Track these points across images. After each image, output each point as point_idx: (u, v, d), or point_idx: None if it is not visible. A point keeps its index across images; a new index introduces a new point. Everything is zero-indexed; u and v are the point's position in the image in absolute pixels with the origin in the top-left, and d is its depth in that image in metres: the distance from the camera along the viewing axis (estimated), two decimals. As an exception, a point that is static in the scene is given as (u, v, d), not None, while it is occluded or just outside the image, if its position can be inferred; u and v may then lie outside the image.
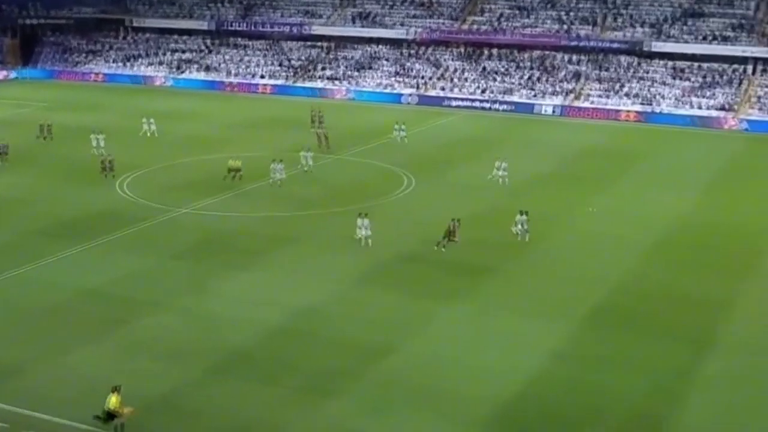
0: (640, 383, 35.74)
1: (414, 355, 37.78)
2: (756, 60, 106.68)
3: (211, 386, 34.73)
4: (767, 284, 47.61)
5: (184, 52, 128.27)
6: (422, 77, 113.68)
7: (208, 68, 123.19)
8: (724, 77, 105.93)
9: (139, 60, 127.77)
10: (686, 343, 39.51)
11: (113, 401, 30.59)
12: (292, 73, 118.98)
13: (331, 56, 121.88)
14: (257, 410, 32.94)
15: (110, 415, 30.58)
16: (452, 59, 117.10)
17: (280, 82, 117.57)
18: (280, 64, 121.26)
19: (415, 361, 37.27)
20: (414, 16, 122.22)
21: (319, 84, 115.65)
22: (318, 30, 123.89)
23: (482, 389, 34.78)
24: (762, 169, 76.82)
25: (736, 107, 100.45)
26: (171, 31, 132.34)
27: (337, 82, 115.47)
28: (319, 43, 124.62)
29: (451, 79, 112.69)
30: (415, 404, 33.64)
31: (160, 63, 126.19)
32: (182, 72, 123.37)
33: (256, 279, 46.55)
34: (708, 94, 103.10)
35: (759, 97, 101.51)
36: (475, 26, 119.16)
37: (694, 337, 40.26)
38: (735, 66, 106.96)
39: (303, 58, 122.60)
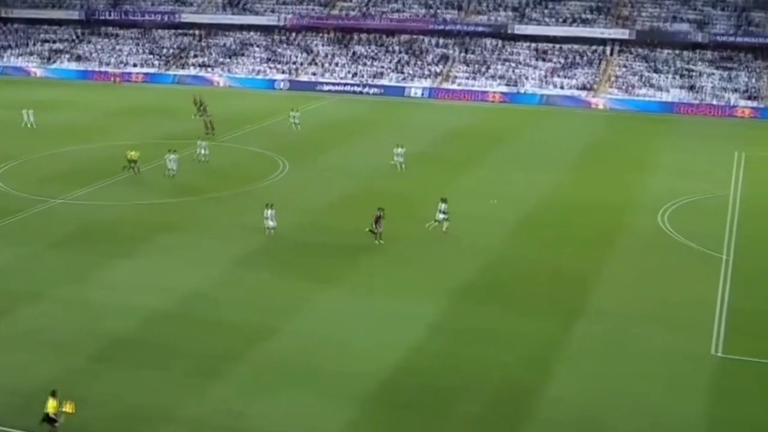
0: (512, 355, 36.86)
1: (296, 336, 38.23)
2: (613, 41, 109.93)
3: (95, 374, 34.53)
4: (629, 257, 49.42)
5: (54, 42, 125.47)
6: (294, 63, 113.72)
7: (79, 58, 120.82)
8: (585, 58, 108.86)
9: (9, 51, 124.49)
10: (555, 316, 40.81)
11: (51, 406, 29.97)
12: (164, 62, 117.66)
13: (203, 44, 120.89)
14: (143, 396, 32.96)
15: (50, 419, 29.96)
16: (323, 44, 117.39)
17: (153, 70, 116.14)
18: (152, 53, 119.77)
19: (297, 341, 37.72)
20: (284, 3, 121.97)
21: (192, 71, 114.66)
22: (189, 18, 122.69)
23: (362, 366, 35.43)
24: (621, 146, 79.35)
25: (596, 87, 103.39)
26: (41, 21, 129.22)
27: (209, 70, 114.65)
28: (190, 31, 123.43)
29: (322, 64, 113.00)
30: (298, 384, 34.09)
31: (31, 54, 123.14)
32: (53, 62, 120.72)
33: (138, 266, 46.28)
34: (569, 74, 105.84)
35: (617, 77, 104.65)
36: (344, 12, 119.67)
37: (562, 309, 41.58)
38: (594, 47, 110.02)
39: (175, 46, 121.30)
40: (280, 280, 44.55)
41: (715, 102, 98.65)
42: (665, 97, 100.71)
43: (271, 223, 50.69)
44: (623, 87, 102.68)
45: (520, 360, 36.44)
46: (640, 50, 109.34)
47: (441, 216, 51.50)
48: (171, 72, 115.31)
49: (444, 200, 51.92)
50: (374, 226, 49.60)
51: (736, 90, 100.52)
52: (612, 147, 78.88)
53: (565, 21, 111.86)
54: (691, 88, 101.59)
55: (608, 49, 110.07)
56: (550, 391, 33.92)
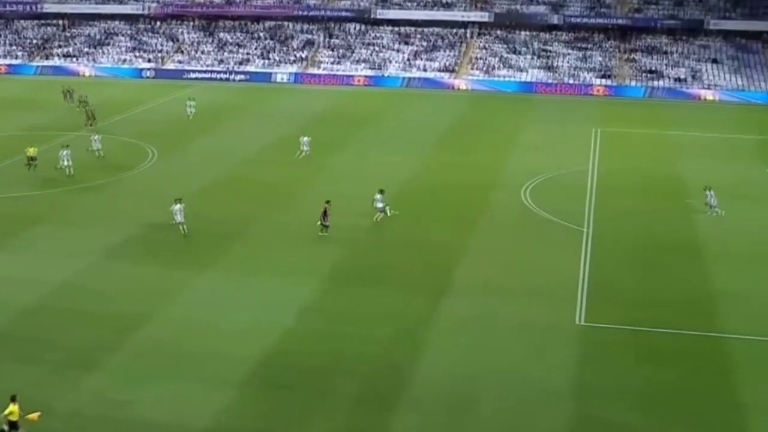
0: (385, 333, 37.14)
1: (170, 323, 37.79)
2: (473, 24, 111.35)
3: (-33, 371, 33.58)
4: (494, 233, 50.29)
5: None
6: (160, 51, 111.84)
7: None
8: (446, 41, 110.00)
9: None
10: (425, 293, 41.27)
11: (12, 411, 28.80)
12: (27, 53, 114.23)
13: (67, 34, 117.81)
14: (19, 389, 31.98)
15: (12, 425, 28.82)
16: (188, 32, 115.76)
17: (16, 61, 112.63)
18: (15, 44, 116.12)
19: (171, 328, 37.30)
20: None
21: (56, 62, 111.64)
22: (52, 8, 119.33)
23: (239, 349, 35.24)
24: (484, 127, 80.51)
25: (458, 69, 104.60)
26: None
27: (74, 60, 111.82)
28: (54, 21, 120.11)
29: (188, 52, 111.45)
30: (174, 370, 33.74)
31: None
32: None
33: (6, 261, 44.97)
34: (432, 57, 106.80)
35: (478, 59, 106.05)
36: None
37: (431, 286, 42.09)
38: (455, 30, 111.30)
39: (38, 36, 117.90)
40: (152, 268, 43.91)
41: (571, 81, 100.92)
42: (524, 77, 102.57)
43: (179, 218, 48.52)
44: (484, 68, 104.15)
45: (393, 338, 36.73)
46: (499, 32, 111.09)
47: (380, 206, 51.40)
48: (35, 63, 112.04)
49: (381, 191, 51.85)
50: (323, 219, 48.81)
51: (591, 69, 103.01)
52: (475, 127, 79.94)
53: (426, 5, 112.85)
54: (549, 68, 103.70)
55: (468, 31, 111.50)
56: (422, 369, 34.26)
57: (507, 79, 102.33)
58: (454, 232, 50.11)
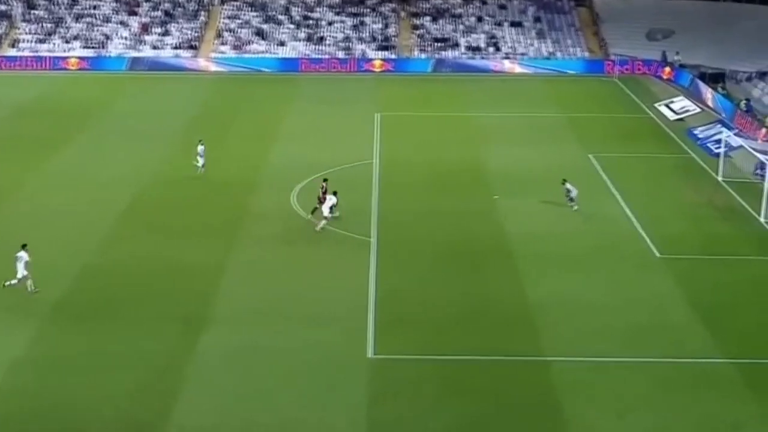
0: (125, 382, 36.08)
1: None
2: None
3: None
4: (260, 247, 50.13)
5: None
6: None
7: None
8: (184, 10, 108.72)
9: None
10: (175, 326, 40.56)
11: None
12: None
13: None
14: None
15: None
16: None
17: None
18: None
19: None
20: None
21: None
22: None
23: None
24: (238, 115, 79.92)
25: (200, 45, 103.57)
26: None
27: None
28: None
29: None
30: None
31: None
32: None
33: None
34: (166, 31, 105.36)
35: (226, 32, 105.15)
36: None
37: (183, 317, 41.44)
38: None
39: None
40: None
41: (343, 55, 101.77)
42: (286, 52, 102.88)
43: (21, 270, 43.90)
44: (234, 43, 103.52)
45: (136, 388, 35.78)
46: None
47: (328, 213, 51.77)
48: None
49: (334, 193, 52.22)
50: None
51: (366, 40, 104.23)
52: (227, 116, 79.41)
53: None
54: (316, 40, 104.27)
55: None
56: (174, 421, 33.52)
57: (264, 55, 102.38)
58: (210, 246, 49.68)
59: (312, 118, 78.42)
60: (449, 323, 41.42)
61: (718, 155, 64.37)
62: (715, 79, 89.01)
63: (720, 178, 61.91)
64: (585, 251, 49.95)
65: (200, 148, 61.25)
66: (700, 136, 72.14)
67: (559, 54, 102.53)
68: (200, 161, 61.09)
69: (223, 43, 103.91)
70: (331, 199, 52.17)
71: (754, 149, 62.20)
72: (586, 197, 56.54)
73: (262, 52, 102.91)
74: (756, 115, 75.87)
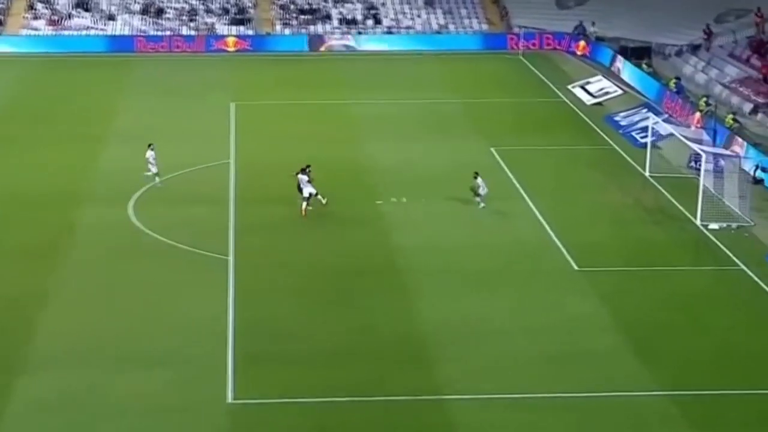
0: None
1: None
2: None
3: None
4: (90, 272, 49.75)
5: None
6: None
7: None
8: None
9: None
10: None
11: None
12: None
13: None
14: None
15: None
16: None
17: None
18: None
19: None
20: None
21: None
22: None
23: None
24: (57, 108, 79.18)
25: (6, 19, 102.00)
26: None
27: None
28: None
29: None
30: None
31: None
32: None
33: None
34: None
35: (32, 5, 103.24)
36: None
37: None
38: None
39: None
40: None
41: (188, 32, 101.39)
42: (116, 28, 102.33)
43: None
44: (48, 18, 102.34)
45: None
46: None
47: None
48: None
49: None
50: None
51: (217, 13, 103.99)
52: (42, 111, 78.45)
53: None
54: (153, 12, 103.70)
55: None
56: None
57: (88, 33, 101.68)
58: (27, 272, 49.25)
59: (151, 111, 77.97)
60: (324, 358, 41.50)
61: (644, 146, 65.62)
62: (639, 54, 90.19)
63: (647, 174, 63.15)
64: (489, 266, 50.50)
65: (150, 153, 60.62)
66: (622, 123, 73.40)
67: (452, 27, 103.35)
68: (153, 169, 60.45)
69: (35, 17, 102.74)
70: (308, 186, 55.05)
71: (686, 138, 62.95)
72: (490, 200, 57.18)
73: (86, 27, 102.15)
74: (688, 96, 76.94)
